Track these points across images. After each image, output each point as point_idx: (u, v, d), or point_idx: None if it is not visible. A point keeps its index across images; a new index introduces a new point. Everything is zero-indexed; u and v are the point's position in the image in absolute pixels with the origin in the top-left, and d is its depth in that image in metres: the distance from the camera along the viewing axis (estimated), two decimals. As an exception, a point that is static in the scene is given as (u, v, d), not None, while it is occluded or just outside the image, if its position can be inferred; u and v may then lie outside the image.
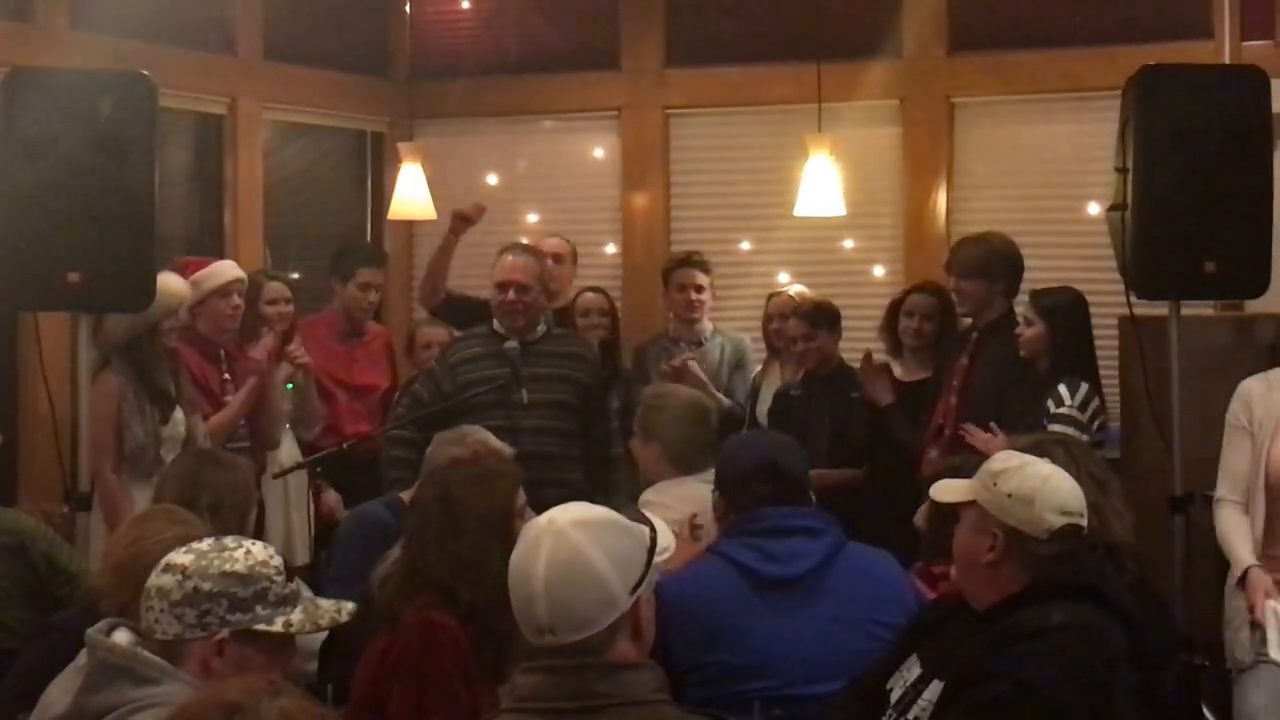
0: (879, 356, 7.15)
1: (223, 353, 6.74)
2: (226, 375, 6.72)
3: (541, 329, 6.54)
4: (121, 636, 3.21)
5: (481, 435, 5.41)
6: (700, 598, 4.05)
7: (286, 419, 7.01)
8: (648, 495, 5.38)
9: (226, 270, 6.81)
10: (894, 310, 7.22)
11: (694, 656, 3.98)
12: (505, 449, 5.33)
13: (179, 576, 3.12)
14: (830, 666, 3.91)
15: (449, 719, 3.75)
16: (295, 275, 7.48)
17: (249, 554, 3.18)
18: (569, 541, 2.92)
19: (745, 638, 3.93)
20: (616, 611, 2.91)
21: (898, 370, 7.05)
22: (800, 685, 3.93)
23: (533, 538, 2.96)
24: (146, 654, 3.13)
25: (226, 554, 3.16)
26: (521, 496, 4.16)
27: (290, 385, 7.00)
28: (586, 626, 2.88)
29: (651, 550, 3.01)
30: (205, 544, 3.21)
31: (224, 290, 6.69)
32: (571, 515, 3.00)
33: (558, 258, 7.70)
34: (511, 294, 6.42)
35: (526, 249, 6.74)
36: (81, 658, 3.31)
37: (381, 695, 3.79)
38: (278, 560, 3.21)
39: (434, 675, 3.76)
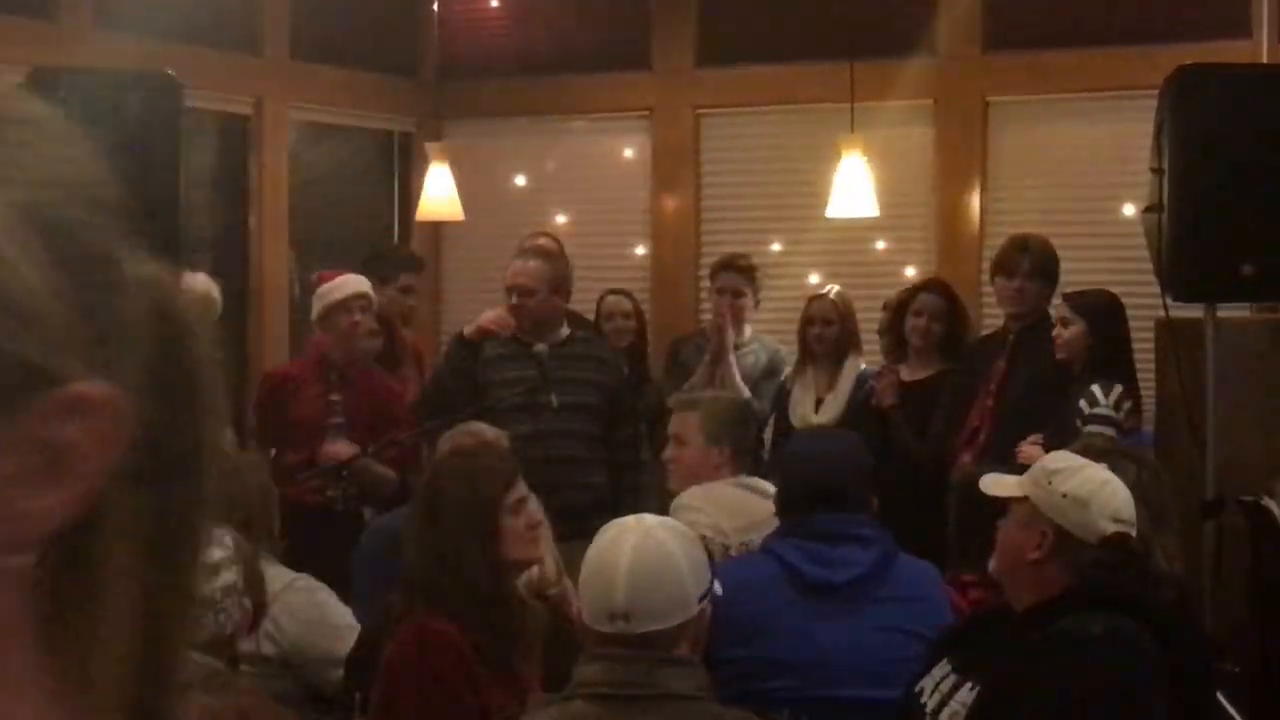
0: (878, 361, 7.23)
1: (335, 375, 6.58)
2: (335, 397, 6.53)
3: (564, 332, 6.44)
4: None
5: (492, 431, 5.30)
6: (741, 587, 4.02)
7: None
8: (681, 499, 5.32)
9: (348, 284, 6.69)
10: (896, 311, 7.14)
11: (724, 647, 3.94)
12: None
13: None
14: (865, 674, 3.92)
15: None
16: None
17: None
18: (655, 538, 3.16)
19: (778, 635, 3.96)
20: (686, 614, 3.11)
21: (903, 371, 6.99)
22: (826, 688, 3.93)
23: (616, 532, 3.19)
24: None
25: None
26: (520, 491, 3.93)
27: None
28: (661, 619, 3.06)
29: (713, 569, 3.24)
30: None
31: (344, 305, 6.58)
32: (657, 519, 3.35)
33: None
34: (515, 299, 6.33)
35: (538, 251, 6.66)
36: None
37: (394, 706, 3.72)
38: None
39: (437, 684, 3.67)
